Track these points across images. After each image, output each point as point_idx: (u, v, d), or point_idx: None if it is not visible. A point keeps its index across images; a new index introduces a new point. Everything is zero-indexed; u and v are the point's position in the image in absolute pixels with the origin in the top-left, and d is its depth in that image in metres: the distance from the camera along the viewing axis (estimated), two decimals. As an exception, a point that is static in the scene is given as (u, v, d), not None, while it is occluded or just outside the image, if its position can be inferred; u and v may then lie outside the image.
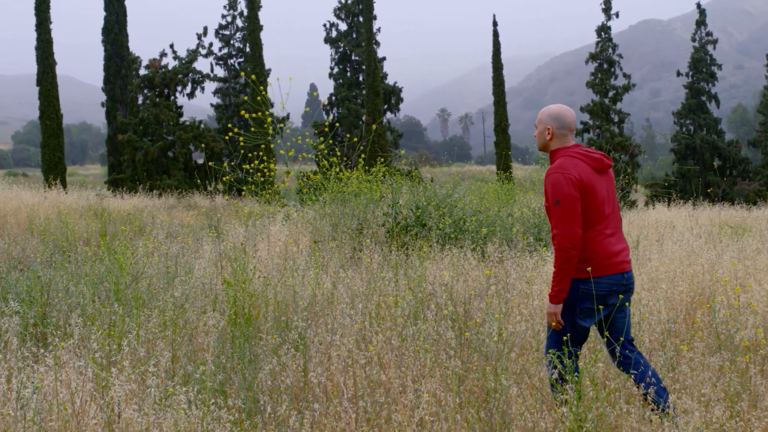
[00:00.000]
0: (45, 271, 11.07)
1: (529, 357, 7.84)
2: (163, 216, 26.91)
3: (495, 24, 58.82)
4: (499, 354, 7.25)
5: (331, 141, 22.71)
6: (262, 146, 20.04)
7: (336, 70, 64.39)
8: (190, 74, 54.61)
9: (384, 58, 61.51)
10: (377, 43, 59.47)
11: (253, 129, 19.51)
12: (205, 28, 59.00)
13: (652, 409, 6.52)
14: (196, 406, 6.40)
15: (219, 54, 61.46)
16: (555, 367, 6.69)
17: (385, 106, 60.40)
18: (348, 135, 36.46)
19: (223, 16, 62.17)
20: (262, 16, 53.91)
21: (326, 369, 7.42)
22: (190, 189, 48.11)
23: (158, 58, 54.35)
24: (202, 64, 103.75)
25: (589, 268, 6.75)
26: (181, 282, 10.57)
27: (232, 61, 61.96)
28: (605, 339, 6.95)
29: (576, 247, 6.68)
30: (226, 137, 18.37)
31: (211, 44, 59.89)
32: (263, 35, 53.54)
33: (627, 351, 6.91)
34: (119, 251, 10.39)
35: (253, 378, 6.88)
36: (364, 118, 57.00)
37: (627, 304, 7.02)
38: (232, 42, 61.90)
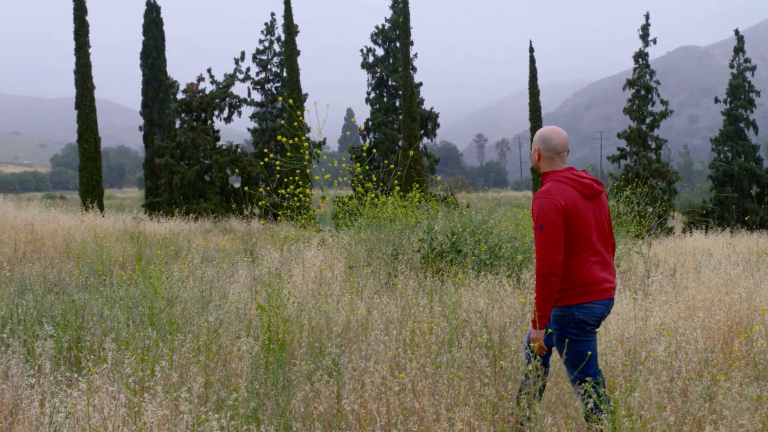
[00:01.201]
0: (80, 294, 11.09)
1: (563, 386, 7.76)
2: (198, 240, 26.97)
3: (531, 50, 58.75)
4: (524, 381, 7.19)
5: (367, 166, 22.71)
6: (298, 171, 20.05)
7: (373, 95, 64.46)
8: (228, 98, 54.75)
9: (420, 84, 61.53)
10: (414, 69, 59.54)
11: (289, 154, 19.53)
12: (243, 53, 59.20)
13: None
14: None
15: (256, 78, 61.62)
16: (590, 397, 6.64)
17: (422, 132, 60.43)
18: (386, 161, 36.48)
19: (261, 41, 62.40)
20: (300, 41, 54.00)
21: (360, 396, 7.38)
22: (226, 213, 48.22)
23: (196, 82, 54.59)
24: (240, 89, 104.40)
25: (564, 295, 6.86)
26: (215, 307, 10.55)
27: (269, 85, 62.13)
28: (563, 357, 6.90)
29: (555, 274, 6.71)
30: (262, 162, 18.36)
31: (248, 69, 60.10)
32: (300, 60, 53.73)
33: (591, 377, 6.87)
34: (154, 275, 10.40)
35: (286, 404, 6.84)
36: (400, 143, 57.02)
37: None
38: (269, 67, 62.07)
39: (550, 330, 7.05)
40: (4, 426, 6.48)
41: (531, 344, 6.91)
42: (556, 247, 6.73)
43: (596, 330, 6.93)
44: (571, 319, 6.83)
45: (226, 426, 6.46)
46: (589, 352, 6.80)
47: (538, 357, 6.91)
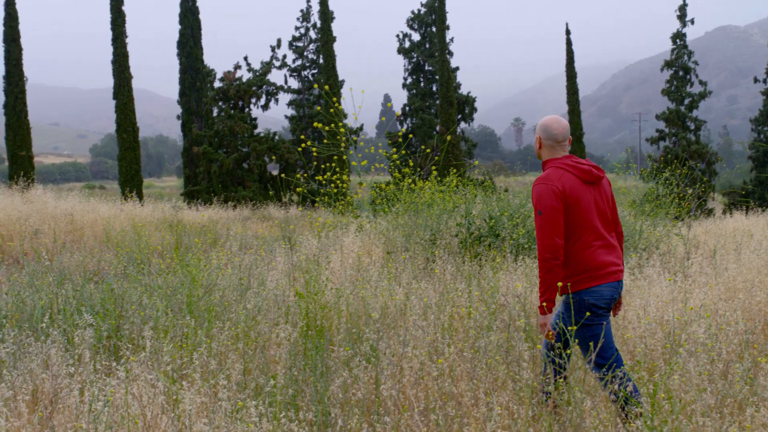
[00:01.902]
0: (119, 283, 11.14)
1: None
2: (237, 228, 27.01)
3: (568, 32, 58.47)
4: (572, 366, 7.16)
5: (404, 151, 22.67)
6: (335, 157, 20.06)
7: (409, 80, 64.38)
8: (264, 86, 54.81)
9: (457, 68, 61.34)
10: (450, 53, 59.42)
11: (326, 140, 19.52)
12: (279, 41, 59.23)
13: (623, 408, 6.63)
14: (267, 419, 6.38)
15: (293, 66, 61.57)
16: (630, 380, 6.62)
17: (459, 116, 60.32)
18: (422, 146, 36.48)
19: (297, 28, 62.33)
20: (335, 27, 54.19)
21: (398, 381, 7.37)
22: (264, 200, 48.32)
23: (232, 70, 54.70)
24: (276, 76, 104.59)
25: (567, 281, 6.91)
26: (253, 294, 10.57)
27: (305, 72, 62.10)
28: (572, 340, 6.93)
29: (556, 257, 6.79)
30: (299, 149, 18.40)
31: (284, 56, 60.06)
32: (336, 46, 53.77)
33: (613, 357, 6.90)
34: (192, 263, 10.43)
35: (325, 390, 6.85)
36: (437, 128, 56.92)
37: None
38: (305, 54, 62.01)
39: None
40: (44, 414, 6.53)
41: (540, 328, 6.96)
42: (556, 232, 6.82)
43: (608, 313, 6.92)
44: (582, 304, 6.86)
45: (264, 412, 6.47)
46: (604, 335, 6.81)
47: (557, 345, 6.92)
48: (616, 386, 6.62)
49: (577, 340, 6.89)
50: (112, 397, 6.44)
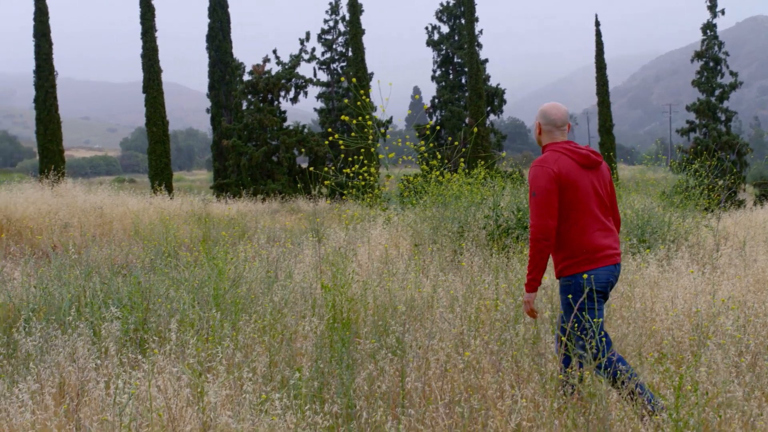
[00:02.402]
0: (146, 276, 11.18)
1: (630, 362, 7.69)
2: (266, 220, 27.07)
3: (597, 24, 58.23)
4: (588, 358, 7.15)
5: (432, 144, 22.66)
6: (363, 150, 20.05)
7: (438, 72, 64.39)
8: (293, 79, 54.79)
9: (486, 60, 61.26)
10: (479, 45, 59.40)
11: (353, 133, 19.52)
12: (308, 33, 59.22)
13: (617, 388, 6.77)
14: (293, 411, 6.39)
15: (322, 59, 61.55)
16: (624, 363, 6.79)
17: (488, 108, 60.29)
18: (450, 138, 36.39)
19: (326, 21, 62.27)
20: (364, 20, 54.00)
21: (423, 374, 7.37)
22: (294, 193, 48.35)
23: (261, 63, 54.72)
24: (305, 69, 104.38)
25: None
26: (280, 287, 10.59)
27: (334, 65, 62.07)
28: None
29: (547, 238, 6.90)
30: (326, 142, 18.41)
31: (313, 49, 60.01)
32: (365, 39, 53.73)
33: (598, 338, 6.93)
34: (219, 256, 10.45)
35: (350, 383, 6.85)
36: (466, 120, 56.86)
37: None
38: (334, 46, 61.96)
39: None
40: (71, 407, 6.55)
41: (524, 305, 7.14)
42: (549, 213, 6.90)
43: (603, 298, 7.05)
44: (578, 287, 6.94)
45: (290, 405, 6.48)
46: (597, 319, 6.82)
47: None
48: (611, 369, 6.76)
49: (571, 325, 6.99)
50: (137, 389, 6.46)
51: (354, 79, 16.66)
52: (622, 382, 6.66)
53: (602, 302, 7.01)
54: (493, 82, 62.38)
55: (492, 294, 10.08)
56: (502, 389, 6.95)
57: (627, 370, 6.72)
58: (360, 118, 18.91)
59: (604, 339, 6.90)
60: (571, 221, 6.99)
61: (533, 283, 7.04)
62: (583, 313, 6.89)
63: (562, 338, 7.00)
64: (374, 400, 6.76)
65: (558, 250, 7.07)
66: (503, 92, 62.16)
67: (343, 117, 16.20)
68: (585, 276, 6.87)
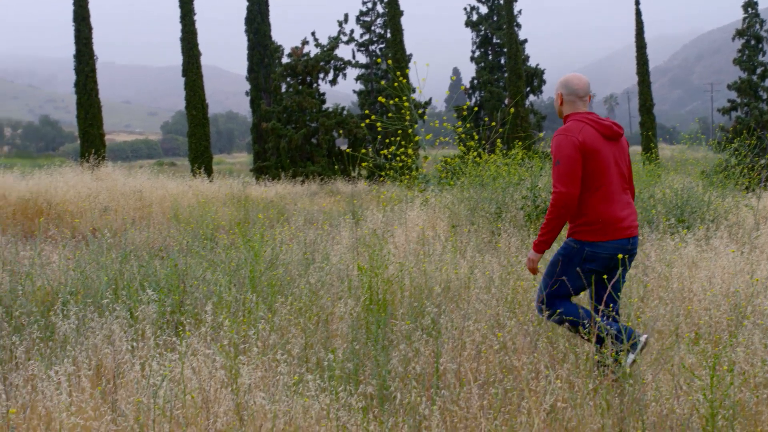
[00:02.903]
0: (183, 259, 11.23)
1: (665, 342, 7.65)
2: (304, 202, 27.12)
3: (638, 2, 57.86)
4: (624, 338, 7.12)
5: (469, 125, 22.56)
6: (400, 131, 20.02)
7: (477, 53, 64.29)
8: (332, 61, 54.75)
9: (525, 41, 61.06)
10: (518, 25, 59.20)
11: (390, 114, 19.49)
12: (346, 15, 59.16)
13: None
14: (329, 393, 6.40)
15: (360, 40, 61.45)
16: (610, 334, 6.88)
17: (528, 89, 60.08)
18: (486, 119, 36.26)
19: (364, 3, 62.12)
20: (402, 0, 53.85)
21: (458, 355, 7.36)
22: (333, 175, 48.38)
23: (300, 46, 54.72)
24: (344, 51, 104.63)
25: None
26: (316, 269, 10.60)
27: (373, 47, 61.95)
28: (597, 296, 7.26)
29: (567, 206, 6.98)
30: (362, 124, 18.46)
31: (352, 31, 59.94)
32: (403, 20, 53.61)
33: (613, 305, 7.23)
34: (255, 239, 10.48)
35: (385, 364, 6.85)
36: (506, 101, 56.73)
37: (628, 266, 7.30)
38: (372, 28, 61.83)
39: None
40: (107, 389, 6.60)
41: (528, 262, 7.38)
42: (573, 181, 6.96)
43: (600, 272, 7.18)
44: (579, 253, 7.13)
45: (325, 386, 6.50)
46: (573, 283, 7.18)
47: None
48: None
49: (545, 276, 7.34)
50: (172, 371, 6.50)
51: (390, 61, 16.63)
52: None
53: (588, 276, 7.15)
54: (532, 62, 62.22)
55: (529, 275, 10.05)
56: (537, 370, 6.94)
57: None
58: (397, 99, 18.89)
59: (582, 311, 7.18)
60: (592, 190, 7.04)
61: (543, 245, 7.20)
62: (561, 267, 7.21)
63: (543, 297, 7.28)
64: (409, 381, 6.77)
65: (575, 216, 7.14)
66: (542, 72, 62.01)
67: (380, 98, 16.16)
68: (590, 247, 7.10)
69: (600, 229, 7.03)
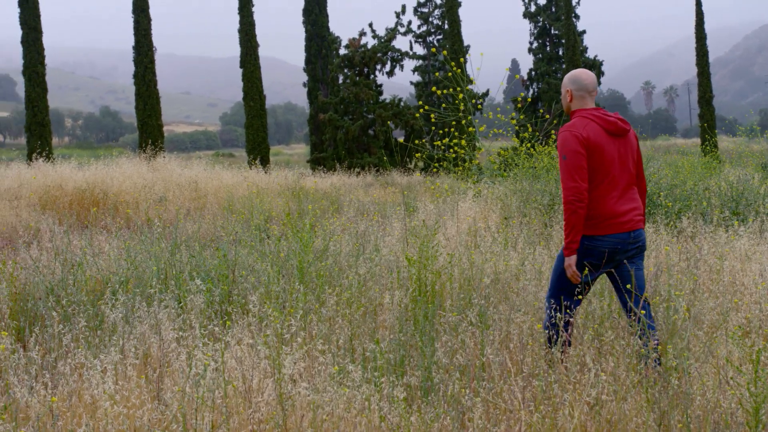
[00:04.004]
0: (234, 249, 11.29)
1: (713, 335, 7.58)
2: (359, 194, 27.14)
3: (698, -8, 57.33)
4: (673, 332, 7.08)
5: (522, 116, 22.45)
6: (454, 123, 19.98)
7: (535, 44, 64.08)
8: (389, 52, 54.72)
9: (584, 32, 60.78)
10: (576, 17, 58.90)
11: (444, 105, 19.45)
12: (404, 6, 59.10)
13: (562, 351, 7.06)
14: (375, 384, 6.41)
15: (417, 32, 61.36)
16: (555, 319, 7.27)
17: (586, 80, 59.69)
18: (541, 111, 36.13)
19: (421, -6, 62.17)
20: (460, -9, 53.68)
21: (505, 347, 7.36)
22: (389, 166, 48.35)
23: (357, 37, 54.75)
24: (401, 42, 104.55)
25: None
26: (366, 260, 10.62)
27: (430, 38, 61.85)
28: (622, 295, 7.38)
29: (581, 200, 7.07)
30: (417, 114, 18.48)
31: (409, 22, 59.86)
32: (461, 11, 53.48)
33: (643, 304, 7.25)
34: (305, 230, 10.51)
35: (431, 355, 6.86)
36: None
37: (639, 260, 7.43)
38: (430, 19, 61.73)
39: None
40: (152, 378, 6.65)
41: (566, 269, 7.27)
42: (580, 175, 7.08)
43: (601, 266, 7.30)
44: (579, 247, 7.22)
45: (369, 377, 6.51)
46: (571, 285, 7.31)
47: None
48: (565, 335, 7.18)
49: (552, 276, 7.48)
50: (215, 361, 6.54)
51: (445, 52, 16.60)
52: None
53: (601, 267, 7.29)
54: (590, 53, 61.86)
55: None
56: (582, 362, 6.91)
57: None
58: (451, 90, 18.83)
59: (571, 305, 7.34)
60: (592, 186, 7.17)
61: (572, 245, 7.18)
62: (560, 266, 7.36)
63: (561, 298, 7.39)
64: (453, 372, 6.77)
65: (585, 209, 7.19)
66: (601, 64, 61.65)
67: (433, 89, 16.15)
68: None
69: (597, 223, 7.18)
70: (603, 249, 7.16)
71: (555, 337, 7.23)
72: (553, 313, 7.28)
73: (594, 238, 7.18)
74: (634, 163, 7.43)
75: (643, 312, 7.07)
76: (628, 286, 7.27)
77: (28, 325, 8.67)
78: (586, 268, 7.23)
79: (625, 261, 7.27)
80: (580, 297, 7.37)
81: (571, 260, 7.21)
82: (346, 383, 6.34)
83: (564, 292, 7.32)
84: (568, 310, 7.29)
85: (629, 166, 7.35)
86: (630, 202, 7.29)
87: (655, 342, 7.00)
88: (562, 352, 7.08)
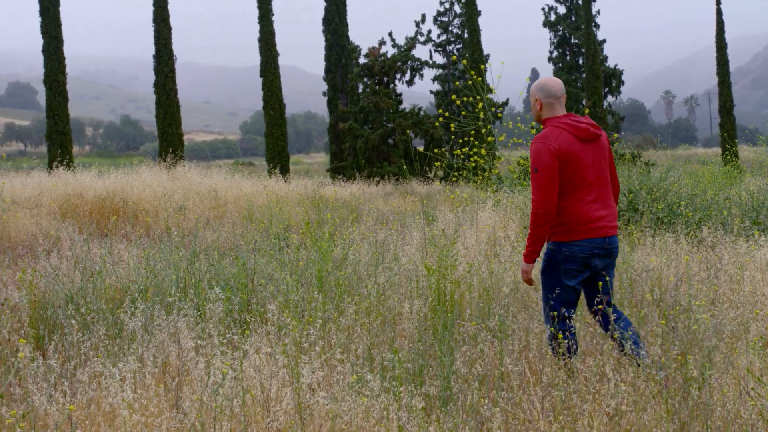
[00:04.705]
0: (253, 258, 11.31)
1: (733, 346, 7.54)
2: (378, 203, 27.14)
3: (718, 2, 57.14)
4: (693, 342, 7.05)
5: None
6: (473, 132, 19.96)
7: (555, 54, 64.08)
8: (409, 61, 54.75)
9: (604, 41, 60.68)
10: (596, 26, 58.80)
11: (464, 114, 19.42)
12: (423, 16, 59.14)
13: (563, 359, 7.10)
14: (393, 393, 6.40)
15: (437, 41, 61.35)
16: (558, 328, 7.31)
17: (606, 90, 59.65)
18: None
19: (441, 3, 62.05)
20: (480, 0, 53.76)
21: (524, 357, 7.35)
22: (409, 175, 48.31)
23: (377, 46, 54.78)
24: (421, 52, 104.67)
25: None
26: (385, 269, 10.61)
27: (450, 47, 61.83)
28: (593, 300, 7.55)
29: (548, 213, 7.19)
30: (437, 123, 18.45)
31: (429, 31, 59.86)
32: (481, 20, 53.46)
33: (611, 310, 7.33)
34: (324, 239, 10.51)
35: (450, 365, 6.85)
36: (583, 102, 56.38)
37: (611, 268, 7.53)
38: (450, 28, 61.72)
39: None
40: (172, 386, 6.65)
41: (522, 274, 7.54)
42: (551, 189, 7.19)
43: (579, 273, 7.37)
44: (558, 255, 7.34)
45: (387, 386, 6.50)
46: (558, 289, 7.34)
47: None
48: (566, 343, 7.22)
49: (541, 287, 7.54)
50: (233, 370, 6.54)
51: (465, 61, 16.61)
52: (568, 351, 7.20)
53: (576, 275, 7.36)
54: (610, 63, 61.79)
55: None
56: (602, 372, 6.88)
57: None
58: (471, 98, 18.82)
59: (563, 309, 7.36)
60: (567, 193, 7.27)
61: (532, 255, 7.37)
62: (550, 275, 7.42)
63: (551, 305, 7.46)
64: (471, 382, 6.75)
65: (554, 219, 7.30)
66: (621, 73, 61.55)
67: (453, 98, 16.17)
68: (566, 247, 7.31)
69: (574, 228, 7.26)
70: (582, 254, 7.26)
71: (571, 345, 7.26)
72: (555, 326, 7.31)
73: (572, 243, 7.26)
74: (607, 166, 7.54)
75: (614, 316, 7.24)
76: (599, 296, 7.43)
77: (48, 333, 8.70)
78: (574, 275, 7.33)
79: (601, 268, 7.39)
80: (572, 308, 7.43)
81: (528, 267, 7.46)
82: (365, 392, 6.34)
83: (558, 302, 7.35)
84: (568, 320, 7.34)
85: (603, 170, 7.46)
86: (604, 207, 7.39)
87: (633, 335, 7.20)
88: (565, 359, 7.11)
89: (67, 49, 43.62)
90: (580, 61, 62.36)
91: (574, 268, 7.28)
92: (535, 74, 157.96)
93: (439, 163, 18.43)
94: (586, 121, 7.41)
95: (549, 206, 7.15)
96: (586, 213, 7.24)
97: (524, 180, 17.79)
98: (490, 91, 19.06)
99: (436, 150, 32.43)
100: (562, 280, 7.30)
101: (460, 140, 19.10)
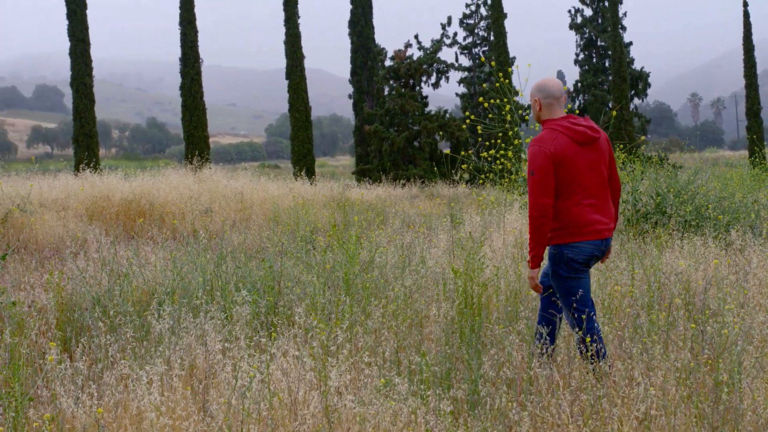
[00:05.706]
0: (279, 261, 11.30)
1: (764, 350, 7.48)
2: (405, 205, 27.11)
3: (745, 4, 56.91)
4: (723, 346, 6.99)
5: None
6: (500, 134, 19.91)
7: (581, 56, 63.97)
8: (435, 64, 54.76)
9: (630, 43, 60.63)
10: (623, 28, 58.69)
11: (490, 116, 19.38)
12: (449, 18, 59.20)
13: (591, 363, 7.11)
14: (421, 397, 6.38)
15: (463, 43, 61.35)
16: (600, 338, 7.23)
17: (632, 92, 59.50)
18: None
19: (467, 5, 62.08)
20: (506, 2, 53.69)
21: (552, 360, 7.31)
22: (434, 178, 48.28)
23: (403, 49, 54.83)
24: (447, 54, 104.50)
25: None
26: (411, 272, 10.59)
27: (476, 50, 61.82)
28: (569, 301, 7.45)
29: (544, 215, 7.19)
30: (463, 126, 18.40)
31: (455, 34, 59.95)
32: (507, 23, 53.37)
33: (586, 310, 7.34)
34: (350, 241, 10.49)
35: (477, 369, 6.82)
36: (610, 104, 56.26)
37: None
38: (476, 31, 61.71)
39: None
40: (199, 389, 6.65)
41: (529, 281, 7.50)
42: (546, 191, 7.17)
43: (587, 269, 7.41)
44: (561, 257, 7.33)
45: (416, 390, 6.48)
46: (580, 289, 7.31)
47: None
48: (594, 346, 7.17)
49: (558, 295, 7.47)
50: (260, 373, 6.53)
51: (493, 63, 16.60)
52: (596, 354, 7.16)
53: (584, 274, 7.41)
54: (637, 65, 61.65)
55: (627, 280, 9.93)
56: (631, 377, 6.84)
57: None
58: (497, 101, 18.77)
59: (587, 311, 7.34)
60: (564, 195, 7.27)
61: (536, 259, 7.32)
62: (562, 281, 7.37)
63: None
64: (500, 386, 6.73)
65: (551, 221, 7.31)
66: (647, 75, 61.40)
67: (480, 99, 16.13)
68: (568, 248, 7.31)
69: (573, 231, 7.28)
70: (583, 255, 7.28)
71: (599, 349, 7.23)
72: (580, 326, 7.29)
73: (574, 245, 7.28)
74: (606, 168, 7.52)
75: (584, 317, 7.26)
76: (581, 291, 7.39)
77: (75, 336, 8.71)
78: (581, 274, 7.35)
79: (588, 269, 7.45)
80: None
81: (534, 273, 7.40)
82: (392, 396, 6.32)
83: (580, 303, 7.33)
84: (589, 315, 7.32)
85: (602, 173, 7.44)
86: (601, 210, 7.41)
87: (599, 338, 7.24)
88: (593, 363, 7.09)
89: (94, 52, 43.83)
90: (607, 64, 62.28)
91: (579, 267, 7.29)
92: (560, 76, 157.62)
93: (465, 166, 18.38)
94: (585, 124, 7.39)
95: (544, 209, 7.15)
96: (583, 216, 7.27)
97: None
98: (517, 93, 18.98)
99: (462, 152, 32.47)
100: (570, 282, 7.31)
101: (487, 143, 18.99)
